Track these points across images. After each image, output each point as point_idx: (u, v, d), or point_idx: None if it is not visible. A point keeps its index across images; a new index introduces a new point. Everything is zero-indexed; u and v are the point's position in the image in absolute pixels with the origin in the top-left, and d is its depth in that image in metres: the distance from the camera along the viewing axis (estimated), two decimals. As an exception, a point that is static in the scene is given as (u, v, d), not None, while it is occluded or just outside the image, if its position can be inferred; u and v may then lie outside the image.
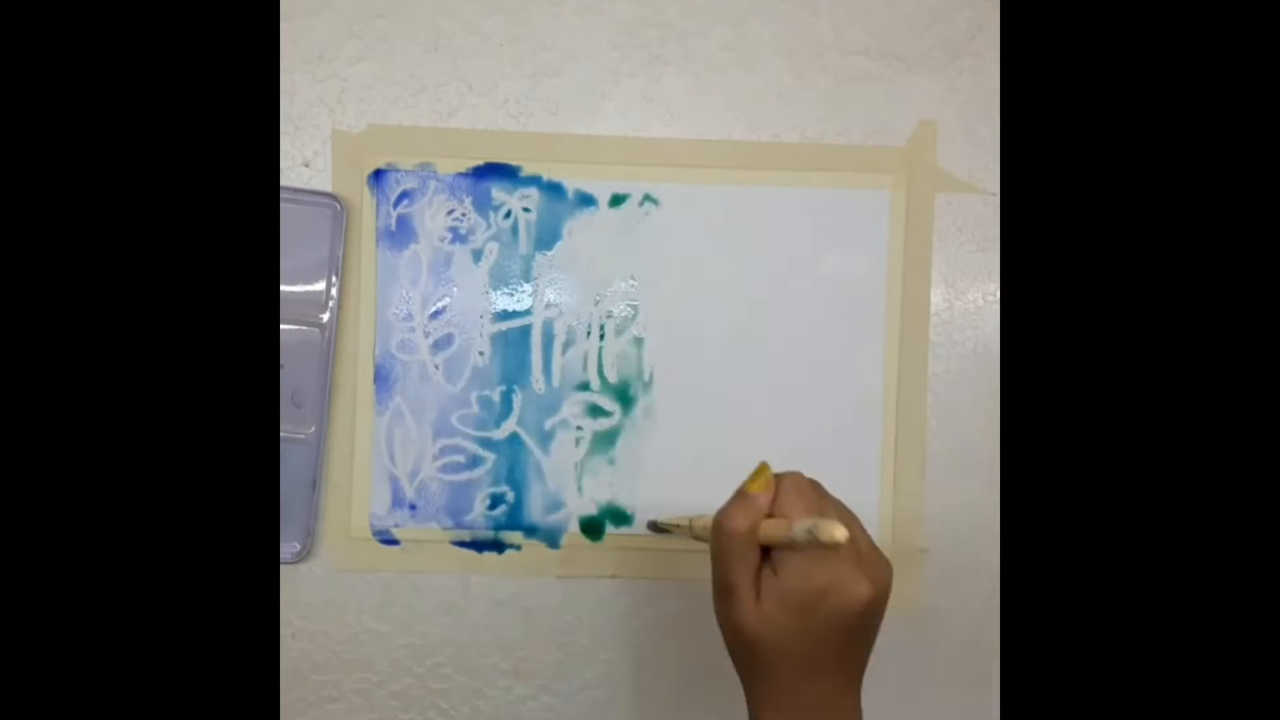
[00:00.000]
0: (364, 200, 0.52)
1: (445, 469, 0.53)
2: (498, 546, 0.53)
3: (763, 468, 0.38)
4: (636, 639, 0.54)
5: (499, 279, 0.53)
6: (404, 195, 0.53)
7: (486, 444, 0.53)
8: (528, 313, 0.53)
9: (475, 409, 0.53)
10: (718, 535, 0.38)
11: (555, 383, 0.53)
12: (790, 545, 0.35)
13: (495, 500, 0.53)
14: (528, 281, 0.53)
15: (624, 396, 0.53)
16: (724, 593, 0.37)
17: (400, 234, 0.53)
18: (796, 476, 0.38)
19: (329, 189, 0.52)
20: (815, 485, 0.38)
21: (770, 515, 0.37)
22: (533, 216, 0.53)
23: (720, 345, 0.53)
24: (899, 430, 0.53)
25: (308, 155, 0.53)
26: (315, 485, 0.52)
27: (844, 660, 0.37)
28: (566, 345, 0.53)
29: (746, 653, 0.37)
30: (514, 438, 0.53)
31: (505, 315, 0.53)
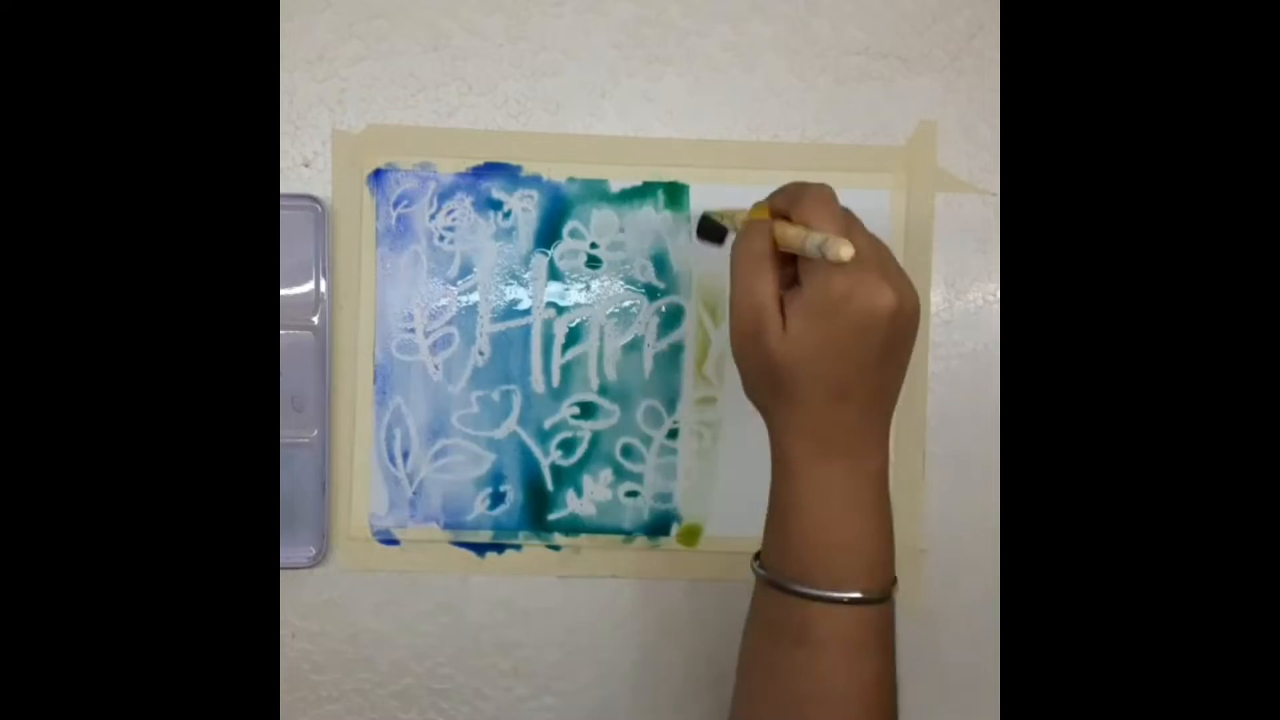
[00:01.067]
0: (364, 200, 0.52)
1: (445, 469, 0.53)
2: (498, 546, 0.53)
3: (759, 204, 0.39)
4: (636, 639, 0.54)
5: (499, 279, 0.53)
6: (404, 195, 0.53)
7: (486, 444, 0.53)
8: (528, 312, 0.53)
9: (475, 409, 0.53)
10: (738, 258, 0.37)
11: (555, 383, 0.53)
12: (813, 253, 0.35)
13: (495, 500, 0.53)
14: (528, 281, 0.53)
15: (624, 396, 0.53)
16: (751, 321, 0.36)
17: (400, 234, 0.53)
18: (822, 188, 0.37)
19: (329, 189, 0.52)
20: (839, 204, 0.37)
21: (789, 221, 0.37)
22: (532, 216, 0.53)
23: (721, 344, 0.53)
24: (899, 430, 0.53)
25: (308, 155, 0.53)
26: (324, 488, 0.52)
27: (871, 379, 0.36)
28: (566, 345, 0.53)
29: (772, 379, 0.36)
30: (514, 438, 0.53)
31: (505, 315, 0.53)
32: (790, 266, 0.37)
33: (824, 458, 0.37)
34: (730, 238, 0.47)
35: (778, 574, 0.38)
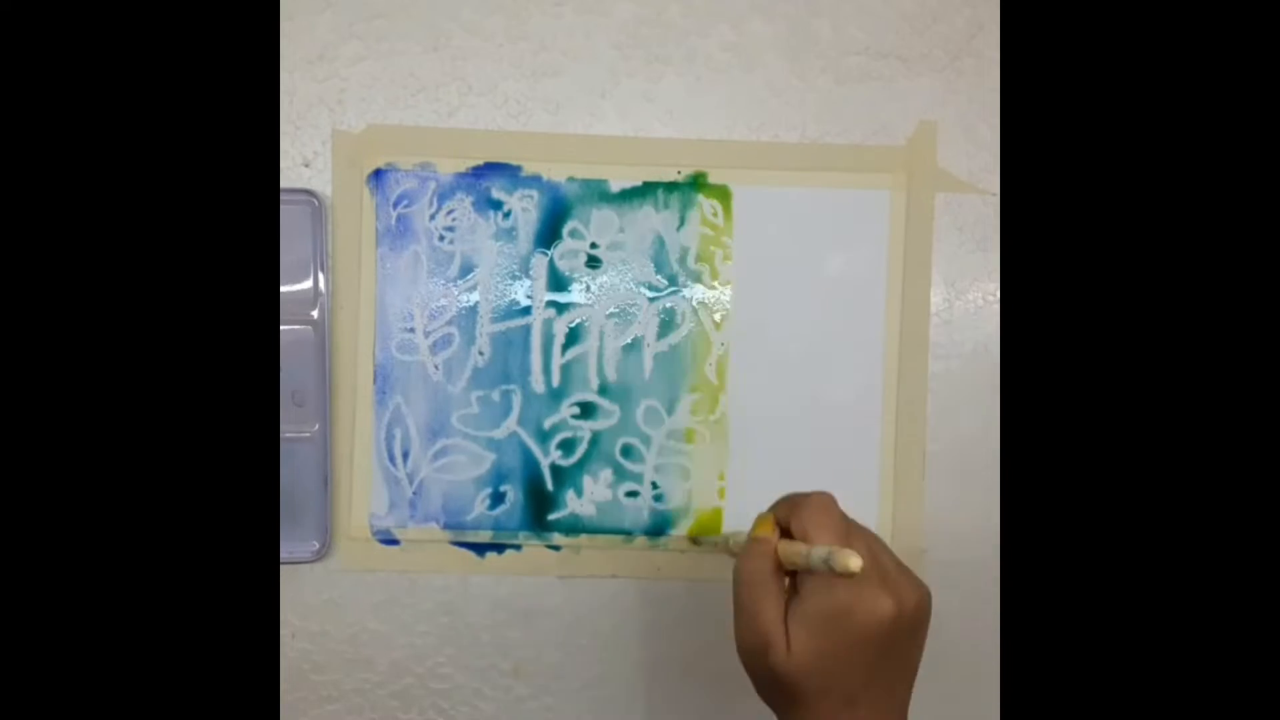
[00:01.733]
0: (364, 200, 0.52)
1: (445, 469, 0.53)
2: (498, 546, 0.53)
3: (762, 516, 0.39)
4: (636, 639, 0.54)
5: (499, 279, 0.53)
6: (404, 195, 0.53)
7: (486, 444, 0.53)
8: (528, 312, 0.53)
9: (475, 409, 0.53)
10: (740, 582, 0.38)
11: (555, 383, 0.53)
12: (814, 568, 0.35)
13: (495, 500, 0.53)
14: (528, 281, 0.53)
15: (624, 396, 0.53)
16: (756, 644, 0.37)
17: (400, 234, 0.53)
18: (822, 497, 0.38)
19: (329, 189, 0.52)
20: (839, 511, 0.38)
21: (791, 536, 0.37)
22: (532, 216, 0.53)
23: (720, 345, 0.53)
24: (899, 430, 0.53)
25: (308, 155, 0.53)
26: (327, 482, 0.52)
27: (876, 686, 0.36)
28: (566, 345, 0.53)
29: (781, 693, 0.37)
30: (514, 438, 0.53)
31: (505, 315, 0.53)
32: (792, 577, 0.38)
33: None
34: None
35: None
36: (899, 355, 0.53)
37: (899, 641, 0.36)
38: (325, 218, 0.52)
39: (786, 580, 0.38)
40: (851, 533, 0.37)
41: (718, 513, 0.53)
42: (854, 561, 0.33)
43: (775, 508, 0.40)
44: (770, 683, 0.37)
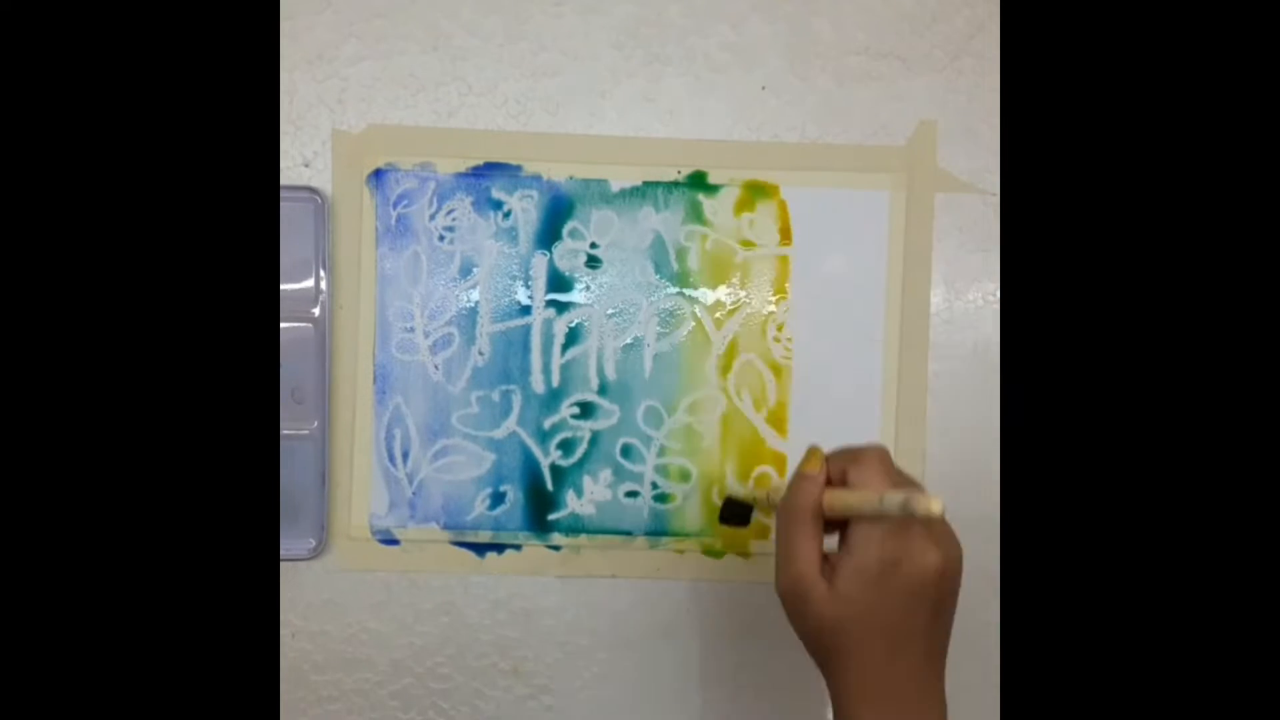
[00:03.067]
0: (364, 200, 0.52)
1: (445, 469, 0.53)
2: (498, 547, 0.53)
3: (813, 451, 0.39)
4: (636, 639, 0.54)
5: (499, 279, 0.53)
6: (404, 195, 0.53)
7: (486, 444, 0.53)
8: (528, 312, 0.53)
9: (475, 409, 0.53)
10: (782, 519, 0.38)
11: (555, 383, 0.53)
12: (875, 516, 0.35)
13: (495, 500, 0.53)
14: (528, 282, 0.53)
15: (624, 396, 0.53)
16: (796, 588, 0.37)
17: (400, 234, 0.53)
18: (879, 450, 0.38)
19: (329, 189, 0.52)
20: (894, 465, 0.38)
21: (846, 487, 0.37)
22: (532, 216, 0.53)
23: (720, 344, 0.53)
24: (899, 430, 0.53)
25: (308, 155, 0.53)
26: (324, 480, 0.52)
27: (922, 636, 0.36)
28: (566, 345, 0.53)
29: (827, 640, 0.37)
30: (514, 438, 0.53)
31: (505, 315, 0.53)
32: (838, 524, 0.38)
33: (883, 716, 0.37)
34: (755, 514, 0.50)
35: None
36: (899, 355, 0.53)
37: (943, 596, 0.36)
38: (327, 215, 0.52)
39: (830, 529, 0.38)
40: (909, 485, 0.37)
41: (716, 512, 0.53)
42: (936, 505, 0.33)
43: (829, 457, 0.39)
44: (812, 630, 0.37)
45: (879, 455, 0.38)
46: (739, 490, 0.52)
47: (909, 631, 0.36)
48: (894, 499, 0.34)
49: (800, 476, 0.38)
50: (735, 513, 0.51)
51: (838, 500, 0.37)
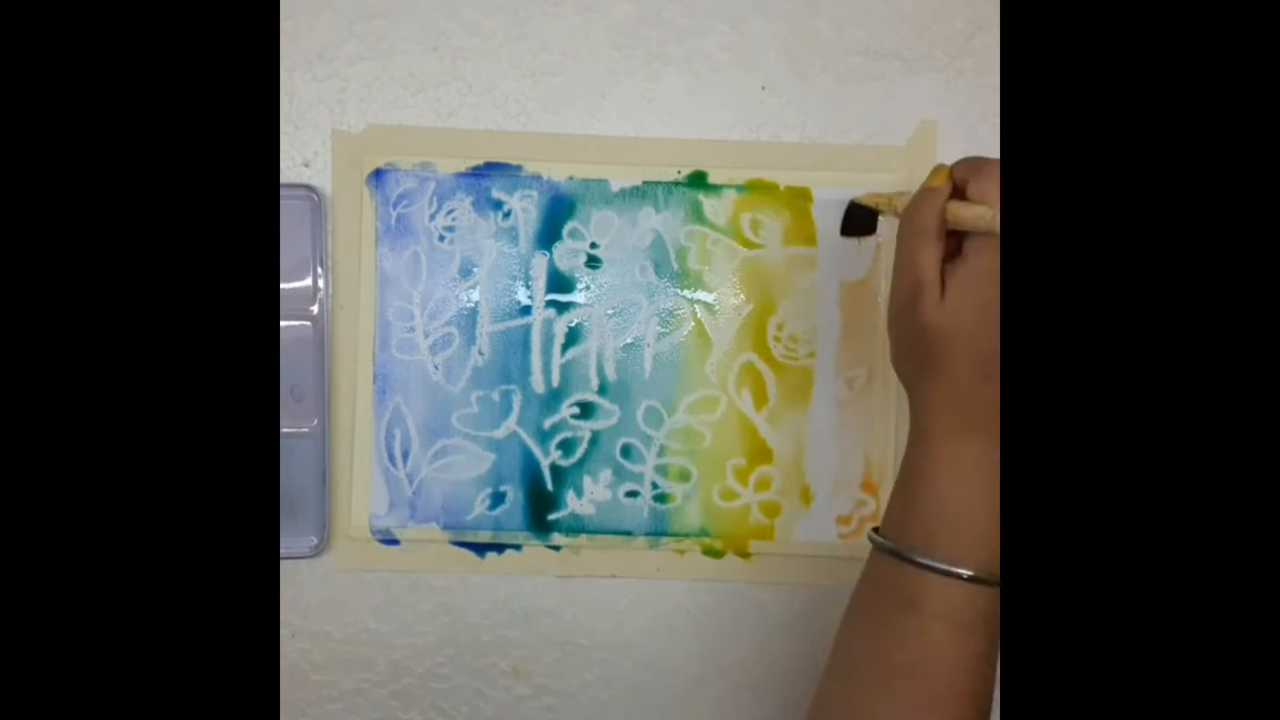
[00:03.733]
0: (364, 200, 0.52)
1: (445, 469, 0.53)
2: (498, 547, 0.53)
3: (940, 166, 0.39)
4: (636, 639, 0.54)
5: (499, 279, 0.53)
6: (404, 195, 0.53)
7: (486, 444, 0.53)
8: (528, 312, 0.53)
9: (475, 409, 0.53)
10: (905, 227, 0.38)
11: (555, 383, 0.53)
12: (988, 229, 0.36)
13: (495, 500, 0.53)
14: (528, 282, 0.53)
15: (624, 396, 0.53)
16: (911, 290, 0.37)
17: (400, 234, 0.53)
18: (999, 163, 0.38)
19: (329, 189, 0.53)
20: None
21: (966, 199, 0.38)
22: (533, 216, 0.53)
23: (721, 344, 0.53)
24: (899, 430, 0.53)
25: (308, 155, 0.53)
26: (325, 478, 0.52)
27: None
28: (566, 345, 0.53)
29: (925, 349, 0.37)
30: (514, 438, 0.53)
31: (505, 315, 0.53)
32: (954, 239, 0.38)
33: (963, 433, 0.37)
34: (882, 221, 0.49)
35: (898, 543, 0.38)
36: (899, 355, 0.53)
37: None
38: (325, 213, 0.52)
39: (950, 243, 0.38)
40: None
41: (716, 512, 0.53)
42: None
43: (954, 166, 0.40)
44: (915, 337, 0.37)
45: (999, 168, 0.38)
46: (862, 198, 0.49)
47: (1000, 358, 0.35)
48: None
49: (925, 189, 0.39)
50: (860, 219, 0.49)
51: (956, 212, 0.37)
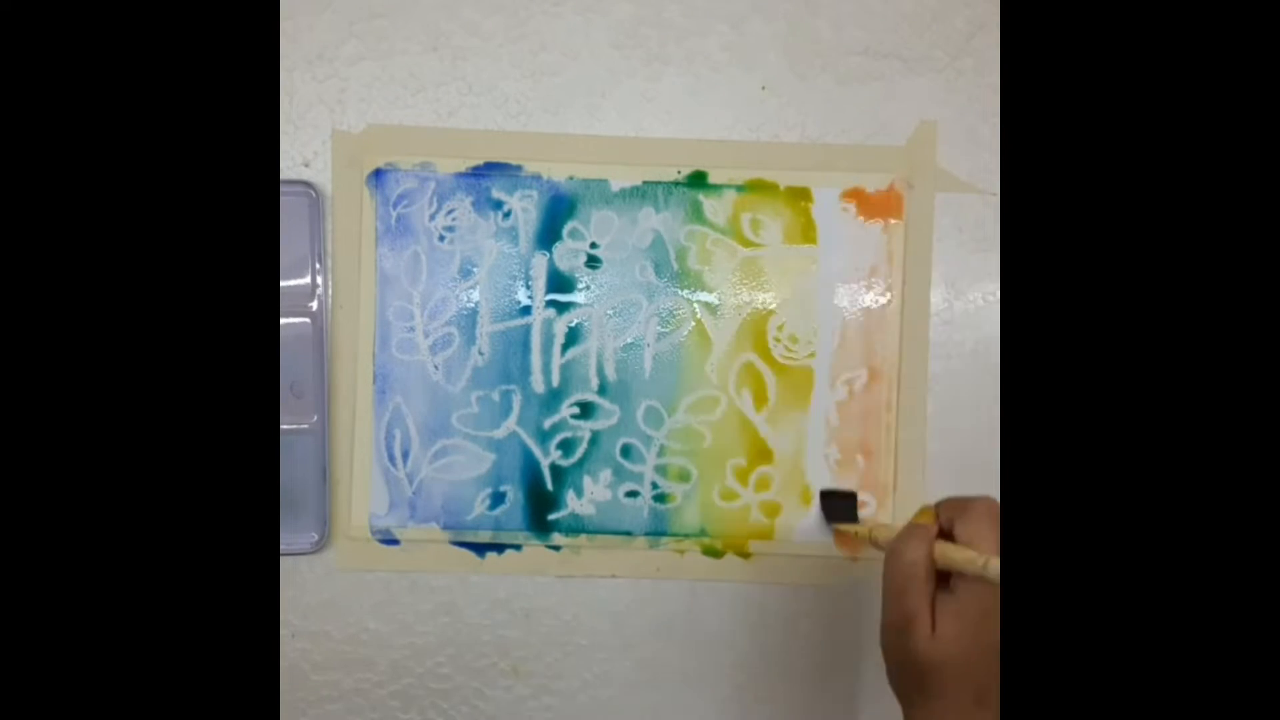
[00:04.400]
0: (364, 200, 0.52)
1: (445, 469, 0.53)
2: (498, 546, 0.53)
3: (925, 507, 0.41)
4: (636, 639, 0.54)
5: (499, 279, 0.53)
6: (404, 195, 0.53)
7: (486, 444, 0.53)
8: (528, 312, 0.53)
9: (475, 409, 0.53)
10: (895, 564, 0.39)
11: (555, 383, 0.53)
12: (978, 577, 0.37)
13: (495, 500, 0.53)
14: (528, 282, 0.53)
15: (624, 396, 0.53)
16: (900, 621, 0.38)
17: (400, 234, 0.53)
18: (989, 505, 0.39)
19: (329, 188, 0.53)
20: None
21: (953, 538, 0.38)
22: (532, 216, 0.53)
23: (721, 344, 0.53)
24: (899, 430, 0.53)
25: (308, 155, 0.53)
26: (325, 474, 0.52)
27: None
28: (566, 345, 0.53)
29: (918, 678, 0.38)
30: (514, 438, 0.53)
31: (505, 315, 0.53)
32: (941, 573, 0.39)
33: None
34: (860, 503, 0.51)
35: None
36: (899, 355, 0.53)
37: None
38: (323, 209, 0.52)
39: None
40: None
41: (716, 512, 0.53)
42: None
43: (939, 505, 0.40)
44: (908, 665, 0.38)
45: (987, 510, 0.39)
46: (843, 527, 0.52)
47: (996, 685, 0.36)
48: (996, 567, 0.36)
49: (913, 526, 0.40)
50: (840, 504, 0.51)
51: (944, 556, 0.38)
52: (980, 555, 0.37)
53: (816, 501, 0.53)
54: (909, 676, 0.38)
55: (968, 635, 0.37)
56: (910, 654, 0.37)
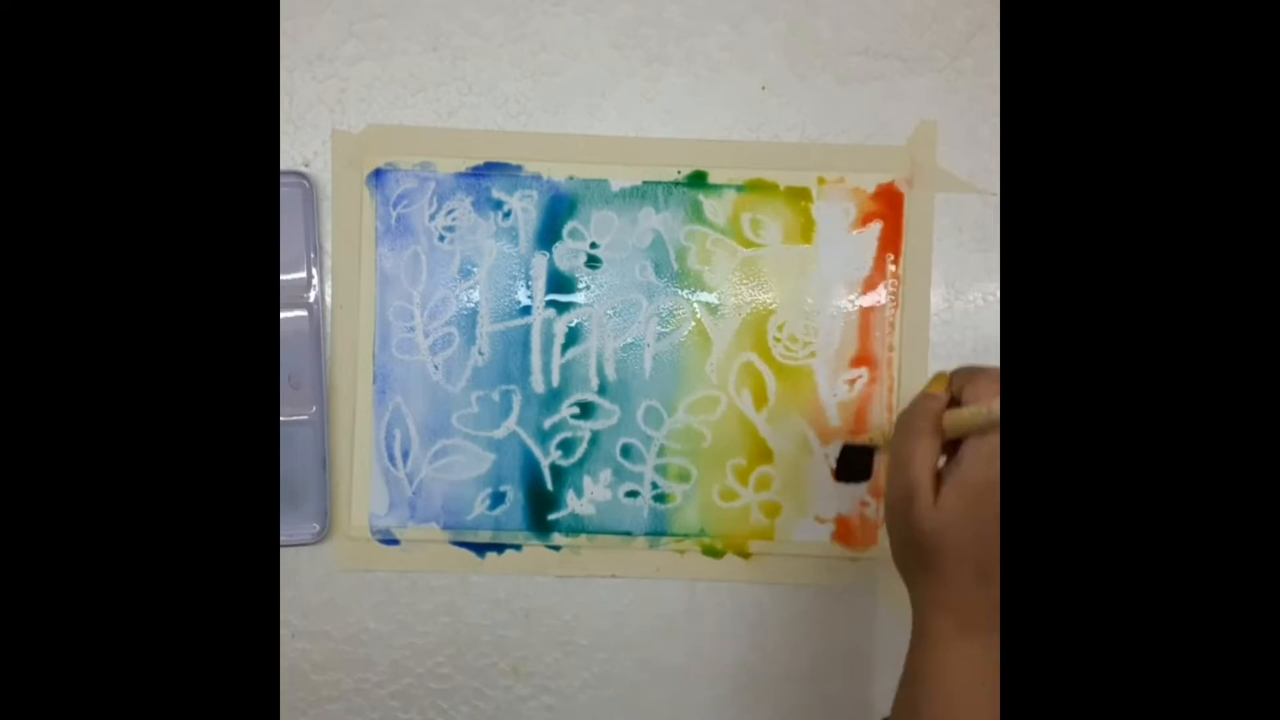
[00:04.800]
0: (364, 200, 0.52)
1: (445, 469, 0.53)
2: (498, 546, 0.53)
3: (939, 374, 0.40)
4: (636, 639, 0.54)
5: (499, 279, 0.53)
6: (404, 195, 0.53)
7: (486, 444, 0.53)
8: (528, 312, 0.53)
9: (475, 409, 0.53)
10: (900, 434, 0.39)
11: (555, 383, 0.53)
12: (985, 428, 0.36)
13: (495, 500, 0.53)
14: (528, 281, 0.53)
15: (624, 396, 0.53)
16: (904, 492, 0.37)
17: (400, 234, 0.53)
18: (995, 370, 0.38)
19: (329, 189, 0.52)
20: None
21: (961, 404, 0.38)
22: (532, 216, 0.53)
23: (721, 344, 0.53)
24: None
25: (308, 155, 0.53)
26: (325, 465, 0.52)
27: None
28: (566, 345, 0.53)
29: (919, 553, 0.37)
30: (514, 438, 0.53)
31: (505, 315, 0.53)
32: (952, 445, 0.38)
33: (963, 634, 0.37)
34: (879, 458, 0.50)
35: None
36: (899, 355, 0.53)
37: None
38: (317, 200, 0.52)
39: (942, 459, 0.39)
40: None
41: (716, 512, 0.53)
42: None
43: (953, 374, 0.40)
44: (910, 538, 0.37)
45: (994, 373, 0.38)
46: (855, 440, 0.50)
47: (997, 561, 0.35)
48: (997, 408, 0.35)
49: (923, 394, 0.39)
50: (855, 461, 0.51)
51: (952, 418, 0.38)
52: (985, 407, 0.36)
53: (831, 462, 0.52)
54: (912, 550, 0.38)
55: (972, 507, 0.36)
56: (912, 526, 0.37)
